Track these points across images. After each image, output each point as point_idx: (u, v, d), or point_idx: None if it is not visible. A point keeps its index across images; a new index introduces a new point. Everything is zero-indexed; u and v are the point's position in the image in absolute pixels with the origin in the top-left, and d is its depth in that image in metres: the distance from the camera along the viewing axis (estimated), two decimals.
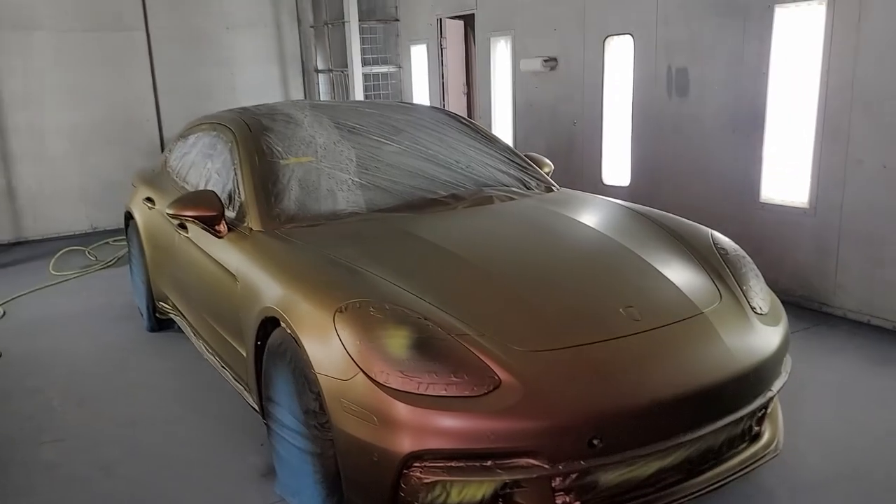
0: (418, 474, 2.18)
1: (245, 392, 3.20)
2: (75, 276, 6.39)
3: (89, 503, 2.93)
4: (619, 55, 6.06)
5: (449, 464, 2.17)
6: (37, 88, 7.78)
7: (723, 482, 2.48)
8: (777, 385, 2.63)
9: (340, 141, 3.65)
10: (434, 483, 2.18)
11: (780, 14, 4.71)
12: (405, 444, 2.15)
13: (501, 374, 2.21)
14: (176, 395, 3.92)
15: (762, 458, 2.62)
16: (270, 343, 2.74)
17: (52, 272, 6.46)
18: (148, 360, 4.42)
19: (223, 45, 8.85)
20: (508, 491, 2.22)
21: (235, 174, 3.48)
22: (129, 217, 4.95)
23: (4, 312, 5.41)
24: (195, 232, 3.57)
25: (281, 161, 3.48)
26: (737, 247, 3.17)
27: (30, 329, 5.05)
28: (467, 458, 2.16)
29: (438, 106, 8.14)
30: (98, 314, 5.31)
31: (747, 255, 3.13)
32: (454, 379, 2.19)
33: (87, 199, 8.14)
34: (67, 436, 3.50)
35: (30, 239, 7.91)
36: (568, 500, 2.25)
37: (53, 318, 5.27)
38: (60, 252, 6.99)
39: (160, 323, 4.77)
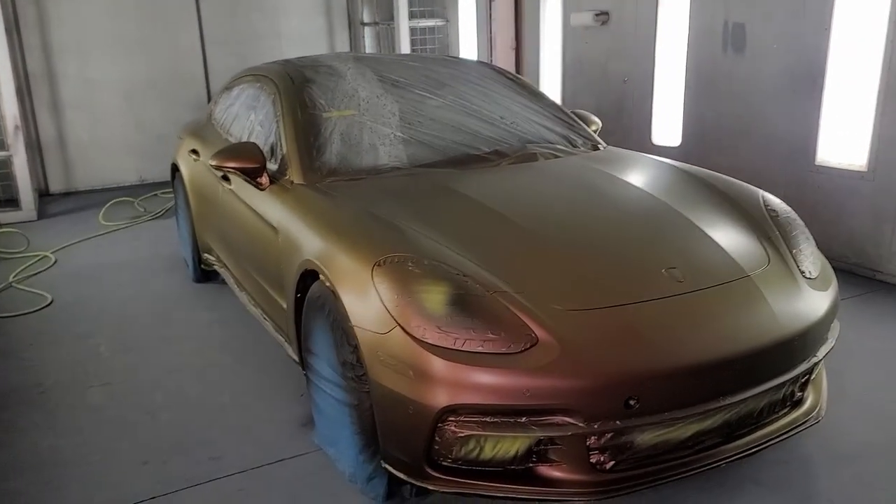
0: (453, 428, 2.18)
1: (285, 343, 3.24)
2: (124, 226, 6.53)
3: (134, 445, 3.02)
4: (674, 9, 5.86)
5: (484, 419, 2.16)
6: (85, 38, 7.88)
7: (761, 447, 2.44)
8: (823, 351, 2.56)
9: (384, 94, 3.62)
10: (468, 437, 2.19)
11: None
12: (440, 399, 2.15)
13: (539, 332, 2.19)
14: (219, 345, 4.00)
15: (803, 424, 2.56)
16: (310, 296, 2.76)
17: (102, 222, 6.61)
18: (192, 310, 4.51)
19: None
20: (542, 448, 2.22)
21: (278, 126, 3.48)
22: (175, 169, 5.01)
23: (56, 260, 5.56)
24: (238, 184, 3.60)
25: (323, 114, 3.46)
26: (788, 209, 3.07)
27: (79, 277, 5.19)
28: (502, 414, 2.16)
29: (485, 61, 8.01)
30: (145, 264, 5.43)
31: (798, 218, 3.03)
32: (491, 335, 2.18)
33: (136, 151, 8.28)
34: (114, 381, 3.60)
35: (80, 189, 8.10)
36: (602, 458, 2.24)
37: (102, 267, 5.41)
38: (110, 203, 7.14)
39: (205, 274, 4.85)
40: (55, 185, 8.00)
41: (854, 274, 4.67)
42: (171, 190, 5.58)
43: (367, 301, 2.35)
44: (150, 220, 6.76)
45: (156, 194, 7.67)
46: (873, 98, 4.43)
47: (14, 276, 5.15)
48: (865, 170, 4.54)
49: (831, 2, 4.56)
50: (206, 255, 4.64)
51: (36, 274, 5.27)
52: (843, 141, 4.74)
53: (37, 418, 3.27)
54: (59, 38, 7.77)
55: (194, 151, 4.56)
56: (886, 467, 2.73)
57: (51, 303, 4.67)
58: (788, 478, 2.67)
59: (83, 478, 2.81)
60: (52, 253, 5.69)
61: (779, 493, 2.58)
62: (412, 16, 8.59)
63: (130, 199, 7.43)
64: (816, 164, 4.83)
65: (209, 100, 8.23)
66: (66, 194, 7.99)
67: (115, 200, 7.27)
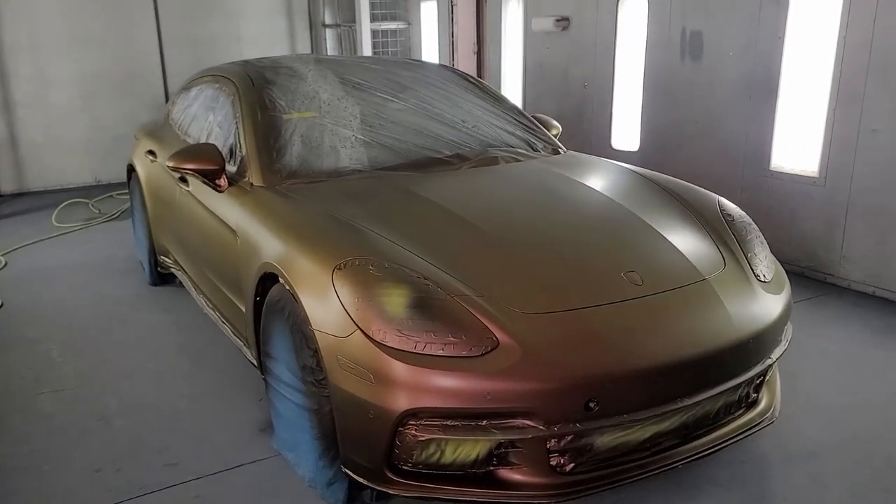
0: (413, 432, 2.17)
1: (244, 347, 3.20)
2: (78, 228, 6.39)
3: (87, 453, 2.95)
4: (633, 16, 5.94)
5: (444, 422, 2.16)
6: (39, 36, 7.70)
7: (718, 447, 2.48)
8: (777, 353, 2.61)
9: (345, 97, 3.59)
10: (429, 441, 2.18)
11: None
12: (401, 402, 2.14)
13: (499, 335, 2.20)
14: (176, 349, 3.93)
15: (758, 424, 2.61)
16: (269, 299, 2.73)
17: (55, 224, 6.45)
18: (149, 313, 4.43)
19: None
20: (503, 451, 2.22)
21: (237, 128, 3.44)
22: (131, 170, 4.91)
23: (6, 263, 5.41)
24: (196, 186, 3.54)
25: (284, 116, 3.43)
26: (743, 214, 3.13)
27: (31, 280, 5.05)
28: (463, 418, 2.15)
29: (447, 65, 8.02)
30: (100, 267, 5.32)
31: (753, 223, 3.09)
32: (452, 339, 2.17)
33: (91, 151, 8.11)
34: (66, 386, 3.51)
35: (32, 190, 7.91)
36: (562, 461, 2.25)
37: (55, 269, 5.28)
38: (63, 204, 6.98)
39: (162, 277, 4.77)
40: (6, 186, 7.79)
41: (806, 277, 4.78)
42: (127, 191, 5.48)
43: (327, 304, 2.33)
44: (104, 221, 6.62)
45: (111, 195, 7.53)
46: (825, 105, 4.55)
47: None
48: (817, 176, 4.66)
49: (785, 11, 4.67)
50: (162, 257, 4.56)
51: None
52: (797, 147, 4.85)
53: None
54: (11, 36, 7.57)
55: (151, 152, 4.48)
56: (839, 466, 2.80)
57: (0, 306, 4.54)
58: (744, 477, 2.72)
59: (34, 486, 2.74)
60: (1, 255, 5.54)
61: (735, 493, 2.63)
62: (374, 18, 8.58)
63: (85, 200, 7.27)
64: (771, 169, 4.94)
65: (167, 100, 8.11)
66: (18, 195, 7.78)
67: (69, 202, 7.11)
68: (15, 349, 3.94)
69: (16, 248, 5.75)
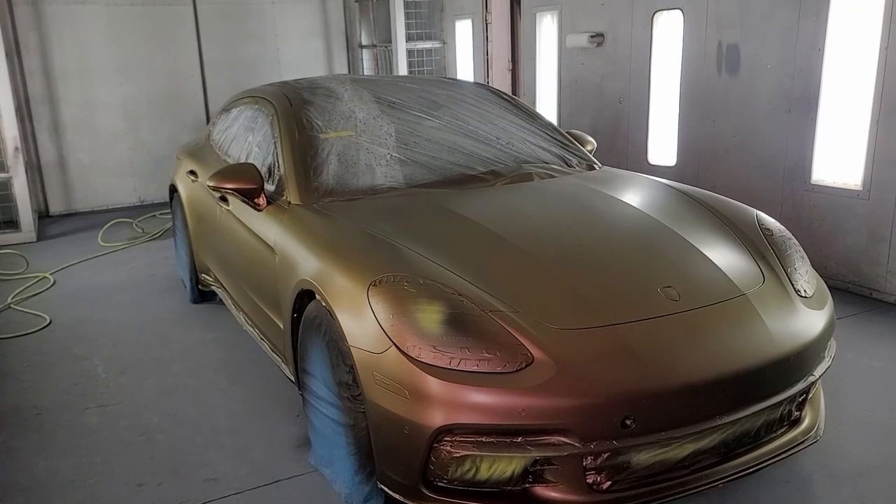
0: (448, 448, 2.18)
1: (282, 364, 3.24)
2: (122, 247, 6.54)
3: (130, 467, 3.01)
4: (668, 31, 5.92)
5: (479, 438, 2.16)
6: (86, 62, 7.94)
7: (759, 466, 2.43)
8: (819, 370, 2.55)
9: (380, 116, 3.64)
10: (464, 457, 2.18)
11: None
12: (436, 419, 2.15)
13: (534, 352, 2.19)
14: (216, 365, 3.99)
15: (801, 443, 2.56)
16: (306, 315, 2.76)
17: (101, 243, 6.62)
18: (190, 331, 4.51)
19: (268, 19, 8.89)
20: (539, 468, 2.21)
21: (275, 147, 3.50)
22: (173, 190, 5.03)
23: (55, 281, 5.57)
24: (235, 205, 3.61)
25: (320, 135, 3.48)
26: (782, 228, 3.08)
27: (77, 298, 5.19)
28: (498, 434, 2.15)
29: (482, 82, 8.07)
30: (143, 285, 5.44)
31: (793, 237, 3.04)
32: (486, 355, 2.18)
33: (135, 172, 8.32)
34: (110, 402, 3.59)
35: (80, 211, 8.12)
36: (599, 479, 2.23)
37: (100, 288, 5.41)
38: (109, 224, 7.16)
39: (203, 295, 4.85)
40: (55, 207, 8.02)
41: (851, 293, 4.67)
42: (169, 211, 5.60)
43: (362, 321, 2.35)
44: (148, 240, 6.77)
45: (154, 215, 7.70)
46: (867, 117, 4.46)
47: (13, 298, 5.15)
48: (860, 189, 4.56)
49: (824, 23, 4.61)
50: (203, 275, 4.64)
51: (35, 295, 5.27)
52: (838, 160, 4.76)
53: (33, 439, 3.25)
54: (61, 63, 7.82)
55: (192, 172, 4.58)
56: (885, 485, 2.72)
57: (49, 324, 4.67)
58: (788, 498, 2.66)
59: (79, 499, 2.80)
60: (50, 274, 5.70)
61: None
62: (409, 38, 8.67)
63: (129, 220, 7.45)
64: (812, 182, 4.86)
65: (208, 121, 8.29)
66: (66, 216, 8.01)
67: (113, 221, 7.29)
68: (62, 365, 4.05)
69: (64, 267, 5.91)
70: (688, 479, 2.32)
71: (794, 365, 2.42)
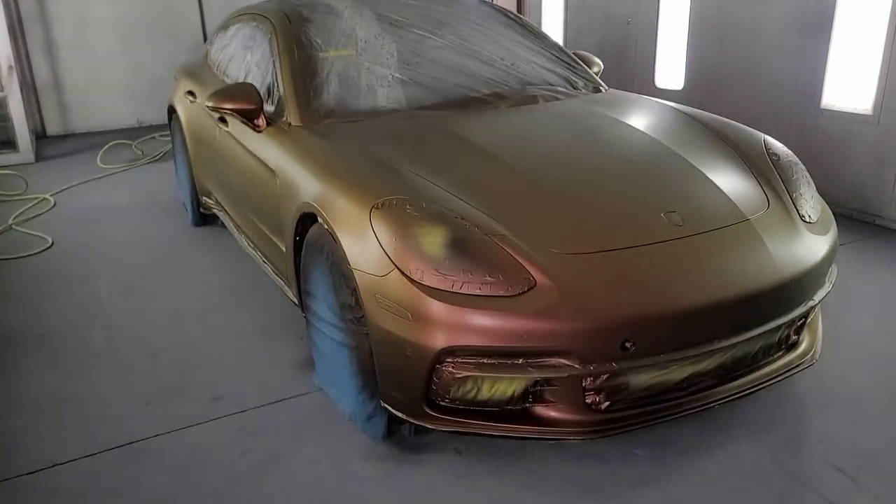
0: (450, 369, 2.21)
1: (285, 286, 3.26)
2: (122, 169, 6.49)
3: (136, 386, 3.06)
4: None
5: (481, 360, 2.18)
6: None
7: (755, 388, 2.48)
8: (819, 295, 2.57)
9: (382, 34, 3.55)
10: (465, 378, 2.22)
11: None
12: (438, 340, 2.17)
13: (536, 276, 2.20)
14: (219, 288, 4.01)
15: (797, 366, 2.60)
16: (308, 238, 2.76)
17: (100, 165, 6.57)
18: (192, 254, 4.52)
19: None
20: (539, 388, 2.25)
21: (274, 67, 3.42)
22: (172, 111, 4.95)
23: (55, 203, 5.55)
24: (235, 126, 3.56)
25: (321, 54, 3.40)
26: (789, 153, 3.05)
27: (79, 220, 5.18)
28: (499, 356, 2.18)
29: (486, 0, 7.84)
30: (144, 207, 5.42)
31: (800, 162, 3.00)
32: (489, 278, 2.18)
33: (133, 93, 8.18)
34: (115, 324, 3.63)
35: (77, 132, 8.03)
36: (598, 399, 2.27)
37: (102, 210, 5.39)
38: (108, 145, 7.08)
39: (204, 218, 4.84)
40: (52, 128, 7.93)
41: (854, 219, 4.66)
42: (168, 132, 5.53)
43: (365, 244, 2.35)
44: (147, 162, 6.72)
45: (153, 137, 7.62)
46: (881, 41, 4.35)
47: (14, 219, 5.15)
48: (870, 113, 4.49)
49: None
50: (204, 198, 4.62)
51: (36, 216, 5.26)
52: (850, 84, 4.67)
53: (40, 359, 3.30)
54: None
55: (191, 93, 4.50)
56: (878, 408, 2.77)
57: (51, 245, 4.67)
58: (782, 418, 2.71)
59: (85, 416, 2.86)
60: (51, 195, 5.67)
61: (770, 433, 2.63)
62: None
63: (128, 141, 7.37)
64: (822, 107, 4.77)
65: (205, 40, 8.10)
66: (64, 137, 7.92)
67: (112, 143, 7.21)
68: (66, 286, 4.07)
69: (64, 189, 5.88)
70: (684, 401, 2.37)
71: (794, 290, 2.43)
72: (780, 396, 2.81)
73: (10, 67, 6.57)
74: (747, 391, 2.46)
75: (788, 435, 2.64)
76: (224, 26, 4.54)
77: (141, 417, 2.83)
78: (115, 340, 3.46)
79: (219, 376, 3.11)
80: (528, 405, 2.28)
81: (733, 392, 2.43)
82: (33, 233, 4.88)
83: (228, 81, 3.97)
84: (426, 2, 4.02)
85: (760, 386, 2.49)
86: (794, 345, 2.63)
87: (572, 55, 3.98)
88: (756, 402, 2.75)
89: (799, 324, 2.60)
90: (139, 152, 7.07)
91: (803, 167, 2.98)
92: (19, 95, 6.67)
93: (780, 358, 2.58)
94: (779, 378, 2.54)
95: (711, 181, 2.71)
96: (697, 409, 2.39)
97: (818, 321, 2.80)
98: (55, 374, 3.17)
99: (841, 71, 4.69)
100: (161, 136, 7.52)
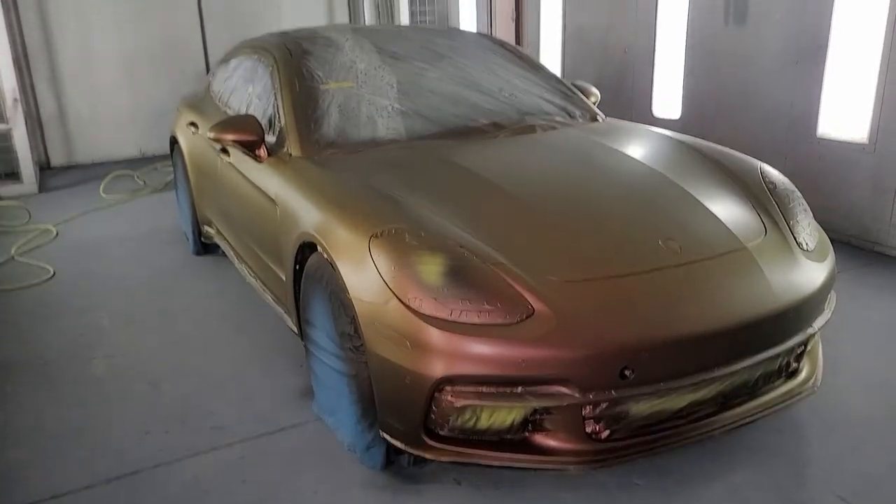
0: (449, 398, 2.21)
1: (285, 315, 3.27)
2: (125, 200, 6.54)
3: (136, 415, 3.06)
4: None
5: (480, 389, 2.19)
6: (84, 12, 7.82)
7: (755, 417, 2.47)
8: (819, 323, 2.57)
9: (382, 66, 3.60)
10: (464, 407, 2.21)
11: None
12: (437, 369, 2.17)
13: (535, 303, 2.21)
14: (219, 316, 4.02)
15: (798, 394, 2.59)
16: (308, 267, 2.78)
17: (103, 195, 6.62)
18: (193, 282, 4.53)
19: None
20: (538, 417, 2.25)
21: (275, 99, 3.47)
22: (174, 141, 5.00)
23: (57, 233, 5.58)
24: (236, 156, 3.60)
25: (321, 86, 3.45)
26: (786, 180, 3.07)
27: (81, 250, 5.20)
28: (498, 384, 2.18)
29: (485, 32, 7.94)
30: (146, 237, 5.45)
31: (797, 190, 3.03)
32: (487, 306, 2.19)
33: (136, 124, 8.26)
34: (116, 353, 3.63)
35: (81, 163, 8.10)
36: (597, 428, 2.26)
37: (104, 240, 5.42)
38: (110, 176, 7.13)
39: (205, 247, 4.87)
40: (56, 159, 7.99)
41: (853, 246, 4.67)
42: (170, 163, 5.57)
43: (364, 272, 2.36)
44: (150, 193, 6.76)
45: (156, 167, 7.68)
46: (875, 70, 4.40)
47: (16, 249, 5.17)
48: (866, 142, 4.53)
49: None
50: (205, 227, 4.65)
51: (38, 247, 5.29)
52: (845, 113, 4.71)
53: (40, 389, 3.30)
54: (58, 14, 7.70)
55: (193, 124, 4.55)
56: (878, 435, 2.76)
57: (53, 275, 4.69)
58: (782, 446, 2.70)
59: (86, 447, 2.85)
60: (53, 226, 5.71)
61: (772, 461, 2.62)
62: None
63: (131, 172, 7.43)
64: (818, 136, 4.81)
65: (208, 72, 8.19)
66: (68, 168, 7.98)
67: (115, 174, 7.26)
68: (67, 316, 4.08)
69: (67, 220, 5.91)
70: (685, 429, 2.36)
71: (793, 318, 2.43)
72: (781, 423, 2.80)
73: (16, 100, 6.65)
74: (748, 419, 2.45)
75: (789, 462, 2.62)
76: (226, 59, 4.60)
77: (141, 447, 2.83)
78: (115, 369, 3.46)
79: (219, 405, 3.10)
80: (527, 434, 2.28)
81: (734, 420, 2.42)
82: (35, 263, 4.90)
83: (230, 113, 4.02)
84: (426, 34, 4.09)
85: (761, 414, 2.48)
86: (795, 372, 2.63)
87: (570, 85, 4.03)
88: (757, 430, 2.74)
89: (799, 351, 2.60)
90: (141, 183, 7.12)
91: (800, 195, 3.00)
92: (24, 128, 6.75)
93: (780, 386, 2.57)
94: (780, 406, 2.54)
95: (709, 209, 2.73)
96: (698, 438, 2.39)
97: (818, 349, 2.80)
98: (56, 404, 3.17)
99: (836, 100, 4.74)
100: (163, 166, 7.58)
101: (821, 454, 2.67)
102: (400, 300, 2.24)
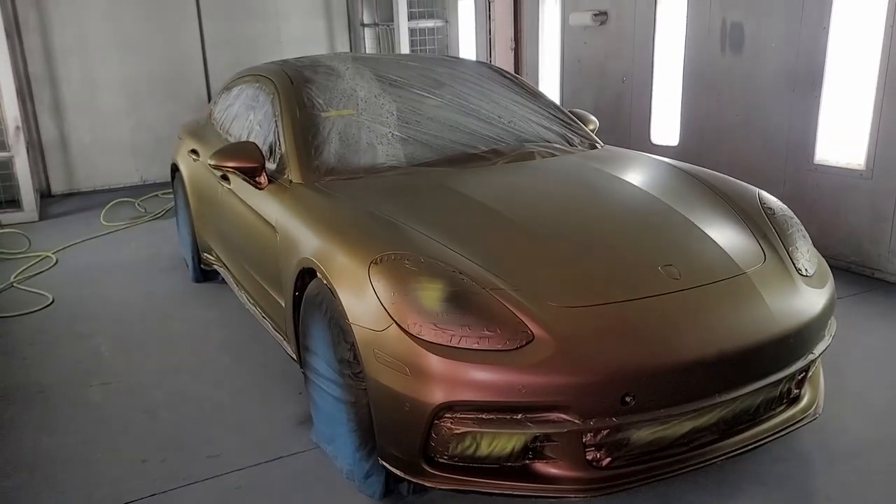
0: (449, 425, 2.19)
1: (284, 342, 3.25)
2: (125, 227, 6.55)
3: (133, 443, 3.03)
4: (672, 9, 5.86)
5: (480, 415, 2.17)
6: (87, 41, 7.90)
7: (757, 444, 2.45)
8: (819, 349, 2.56)
9: (382, 94, 3.63)
10: (464, 434, 2.20)
11: None
12: (436, 395, 2.16)
13: (534, 329, 2.20)
14: (218, 343, 4.01)
15: (800, 421, 2.57)
16: (307, 294, 2.77)
17: (103, 223, 6.62)
18: (192, 309, 4.52)
19: None
20: (539, 444, 2.23)
21: (276, 126, 3.49)
22: (175, 169, 5.02)
23: (57, 261, 5.58)
24: (237, 183, 3.61)
25: (322, 113, 3.47)
26: (784, 207, 3.08)
27: (80, 277, 5.20)
28: (498, 411, 2.16)
29: (484, 61, 8.01)
30: (146, 264, 5.45)
31: (795, 216, 3.04)
32: (487, 332, 2.18)
33: (137, 151, 8.30)
34: (114, 380, 3.61)
35: (82, 190, 8.12)
36: (599, 455, 2.24)
37: (103, 267, 5.42)
38: (111, 203, 7.15)
39: (205, 274, 4.86)
40: (57, 186, 8.02)
41: (853, 272, 4.67)
42: (171, 190, 5.59)
43: (364, 299, 2.36)
44: (150, 220, 6.78)
45: (156, 195, 7.69)
46: (871, 97, 4.43)
47: (15, 276, 5.17)
48: (864, 168, 4.55)
49: (830, 1, 4.56)
50: (205, 254, 4.65)
51: (37, 274, 5.28)
52: (842, 140, 4.74)
53: (37, 417, 3.28)
54: (61, 41, 7.78)
55: (194, 151, 4.57)
56: (884, 463, 2.74)
57: (52, 303, 4.68)
58: (787, 475, 2.67)
59: (83, 475, 2.82)
60: (53, 253, 5.71)
61: (777, 491, 2.59)
62: (412, 17, 8.61)
63: (131, 199, 7.45)
64: (815, 162, 4.84)
65: (209, 100, 8.25)
66: (68, 195, 8.00)
67: (116, 201, 7.28)
68: (65, 343, 4.07)
69: (66, 247, 5.92)
70: (687, 456, 2.34)
71: (793, 343, 2.43)
72: (785, 452, 2.78)
73: (18, 128, 6.69)
74: (750, 446, 2.44)
75: (796, 492, 2.59)
76: (228, 87, 4.64)
77: (138, 476, 2.80)
78: (113, 397, 3.44)
79: (217, 433, 3.08)
80: (528, 462, 2.26)
81: (736, 447, 2.41)
82: (34, 290, 4.89)
83: (231, 140, 4.05)
84: (426, 63, 4.13)
85: (763, 441, 2.47)
86: (796, 399, 2.61)
87: (568, 113, 4.05)
88: (761, 459, 2.72)
89: (800, 377, 2.59)
90: (142, 210, 7.14)
91: (798, 221, 3.01)
92: (25, 156, 6.78)
93: (782, 412, 2.56)
94: (782, 433, 2.52)
95: (707, 235, 2.73)
96: (700, 465, 2.37)
97: (819, 375, 2.79)
98: (53, 433, 3.14)
99: (833, 127, 4.77)
100: (164, 193, 7.60)
101: (827, 484, 2.65)
102: (399, 326, 2.23)
